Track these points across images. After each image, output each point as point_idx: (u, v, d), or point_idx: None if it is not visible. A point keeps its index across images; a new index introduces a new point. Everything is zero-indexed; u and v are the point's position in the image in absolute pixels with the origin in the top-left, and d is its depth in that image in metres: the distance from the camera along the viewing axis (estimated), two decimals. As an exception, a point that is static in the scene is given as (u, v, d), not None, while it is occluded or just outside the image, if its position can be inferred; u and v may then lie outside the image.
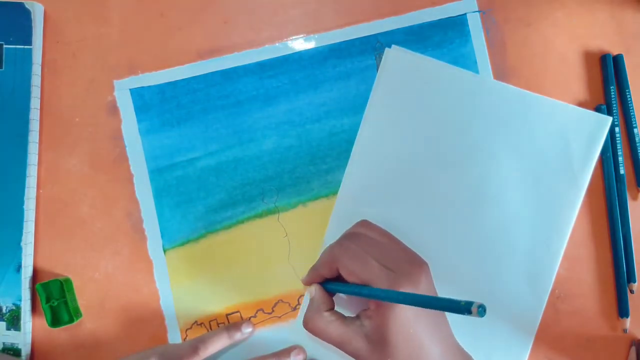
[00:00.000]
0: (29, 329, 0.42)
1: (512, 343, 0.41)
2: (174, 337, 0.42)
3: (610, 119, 0.41)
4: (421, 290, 0.32)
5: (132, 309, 0.43)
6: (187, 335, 0.42)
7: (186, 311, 0.43)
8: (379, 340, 0.31)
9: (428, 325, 0.32)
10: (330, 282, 0.36)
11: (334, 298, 0.36)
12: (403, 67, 0.42)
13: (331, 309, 0.35)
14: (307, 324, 0.35)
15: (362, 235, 0.36)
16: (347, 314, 0.35)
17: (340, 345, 0.33)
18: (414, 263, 0.34)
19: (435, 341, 0.32)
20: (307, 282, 0.37)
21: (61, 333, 0.43)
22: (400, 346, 0.31)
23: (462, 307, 0.26)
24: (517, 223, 0.41)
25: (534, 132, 0.41)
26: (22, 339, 0.41)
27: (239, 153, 0.43)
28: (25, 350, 0.42)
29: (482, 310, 0.25)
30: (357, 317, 0.34)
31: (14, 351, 0.41)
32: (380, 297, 0.31)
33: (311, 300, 0.36)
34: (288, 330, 0.42)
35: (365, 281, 0.32)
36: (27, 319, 0.42)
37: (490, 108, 0.41)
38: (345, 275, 0.33)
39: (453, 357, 0.32)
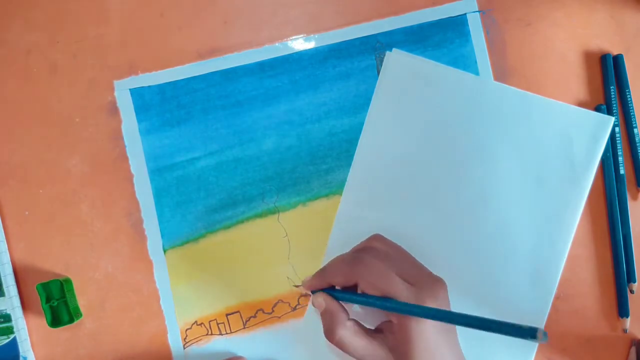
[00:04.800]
0: (14, 292, 0.42)
1: (518, 345, 0.41)
2: (174, 337, 0.42)
3: (613, 118, 0.41)
4: (441, 306, 0.32)
5: (132, 309, 0.43)
6: (187, 335, 0.42)
7: (186, 311, 0.43)
8: (403, 355, 0.31)
9: (447, 340, 0.32)
10: (338, 291, 0.35)
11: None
12: (404, 71, 0.42)
13: (350, 317, 0.34)
14: (333, 337, 0.33)
15: (379, 250, 0.35)
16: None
17: (364, 356, 0.32)
18: (434, 279, 0.34)
19: (453, 356, 0.32)
20: (311, 287, 0.35)
21: (61, 333, 0.43)
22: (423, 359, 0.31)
23: (525, 332, 0.25)
24: (520, 224, 0.41)
25: (536, 133, 0.41)
26: (9, 303, 0.42)
27: (239, 153, 0.43)
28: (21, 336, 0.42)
29: (545, 336, 0.25)
30: (380, 329, 0.33)
31: (3, 317, 0.42)
32: (413, 313, 0.30)
33: (326, 310, 0.34)
34: (292, 334, 0.42)
35: (388, 295, 0.32)
36: (9, 282, 0.42)
37: (491, 110, 0.41)
38: (366, 288, 0.32)
39: None
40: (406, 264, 0.34)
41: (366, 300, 0.33)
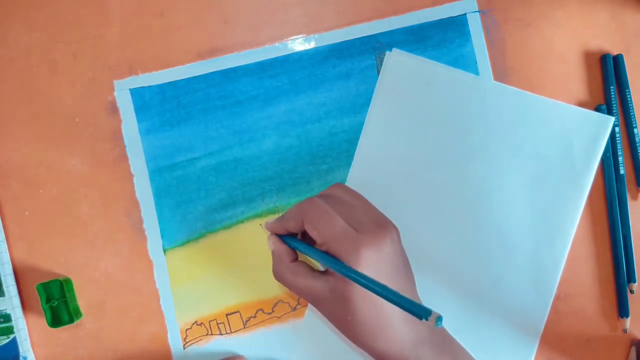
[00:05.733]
0: (14, 292, 0.42)
1: (518, 345, 0.41)
2: (174, 337, 0.42)
3: (613, 118, 0.41)
4: (385, 253, 0.32)
5: (132, 309, 0.43)
6: (187, 335, 0.42)
7: (186, 311, 0.43)
8: (341, 297, 0.32)
9: (390, 280, 0.32)
10: (293, 238, 0.36)
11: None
12: (404, 71, 0.42)
13: (295, 259, 0.36)
14: (277, 276, 0.36)
15: (334, 196, 0.36)
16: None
17: (305, 296, 0.34)
18: (381, 225, 0.34)
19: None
20: (270, 229, 0.37)
21: (61, 333, 0.43)
22: (360, 305, 0.31)
23: (421, 312, 0.26)
24: (520, 225, 0.41)
25: (536, 133, 0.41)
26: (9, 303, 0.42)
27: (239, 153, 0.43)
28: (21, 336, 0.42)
29: (439, 321, 0.25)
30: (325, 271, 0.34)
31: (3, 317, 0.42)
32: (334, 269, 0.31)
33: (273, 252, 0.37)
34: (292, 334, 0.42)
35: (327, 238, 0.32)
36: (9, 282, 0.42)
37: (491, 110, 0.41)
38: (308, 230, 0.34)
39: (418, 324, 0.32)
40: (358, 210, 0.35)
41: (305, 249, 0.35)
